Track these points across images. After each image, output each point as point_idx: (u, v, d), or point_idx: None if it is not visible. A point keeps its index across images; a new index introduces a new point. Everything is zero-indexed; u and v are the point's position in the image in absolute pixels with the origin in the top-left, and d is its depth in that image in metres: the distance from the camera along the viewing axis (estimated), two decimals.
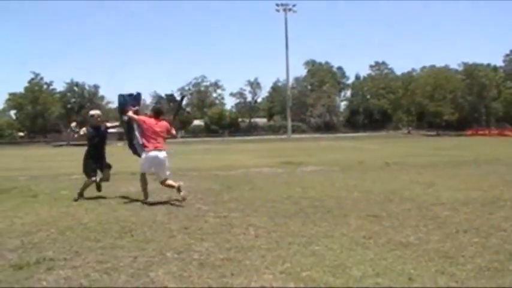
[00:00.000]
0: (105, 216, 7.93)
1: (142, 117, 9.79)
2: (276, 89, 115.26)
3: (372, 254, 5.37)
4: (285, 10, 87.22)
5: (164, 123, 9.63)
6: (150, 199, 9.57)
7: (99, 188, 10.33)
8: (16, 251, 5.80)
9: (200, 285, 4.50)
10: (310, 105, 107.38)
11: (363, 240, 6.02)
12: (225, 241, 6.06)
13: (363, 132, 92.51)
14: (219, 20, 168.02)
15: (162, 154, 9.39)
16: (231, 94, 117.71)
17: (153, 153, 9.34)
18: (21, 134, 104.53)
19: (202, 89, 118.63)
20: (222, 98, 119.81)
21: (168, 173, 9.52)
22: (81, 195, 10.10)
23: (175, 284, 4.54)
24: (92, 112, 10.79)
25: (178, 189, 9.24)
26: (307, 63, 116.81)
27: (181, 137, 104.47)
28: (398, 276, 4.66)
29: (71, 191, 11.55)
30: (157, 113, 9.83)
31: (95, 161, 10.16)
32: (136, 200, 9.67)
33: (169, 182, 9.47)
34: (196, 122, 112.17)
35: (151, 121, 9.52)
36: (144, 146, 9.50)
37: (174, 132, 9.89)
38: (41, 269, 5.06)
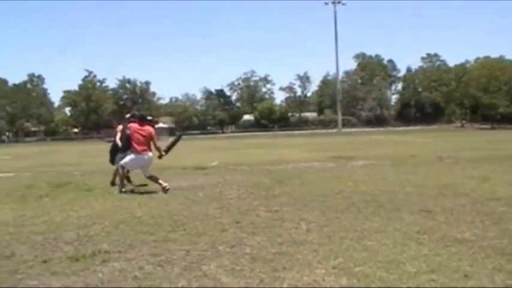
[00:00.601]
0: (157, 210, 8.06)
1: (130, 125, 10.91)
2: (325, 83, 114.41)
3: (426, 250, 5.22)
4: (334, 3, 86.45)
5: (147, 129, 10.65)
6: (189, 194, 9.67)
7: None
8: (72, 244, 5.96)
9: (252, 279, 4.49)
10: (361, 99, 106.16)
11: (416, 235, 5.87)
12: (277, 235, 6.04)
13: (415, 125, 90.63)
14: (269, 15, 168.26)
15: (148, 156, 10.58)
16: (281, 88, 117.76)
17: (141, 155, 10.49)
18: (75, 130, 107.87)
19: (251, 83, 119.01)
20: (272, 93, 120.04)
21: (150, 172, 10.72)
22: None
23: (228, 277, 4.55)
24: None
25: (159, 183, 10.37)
26: (357, 56, 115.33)
27: (231, 132, 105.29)
28: (454, 273, 4.51)
29: (125, 186, 11.86)
30: (141, 120, 10.93)
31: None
32: (188, 195, 9.79)
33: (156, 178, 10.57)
34: (246, 117, 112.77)
35: (136, 126, 10.66)
36: (133, 148, 10.57)
37: (156, 144, 10.73)
38: (96, 261, 5.18)
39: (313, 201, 8.53)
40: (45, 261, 5.21)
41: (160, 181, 10.47)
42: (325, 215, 7.19)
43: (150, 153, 10.66)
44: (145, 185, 11.48)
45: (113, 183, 11.73)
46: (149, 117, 11.39)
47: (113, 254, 5.40)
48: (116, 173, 11.59)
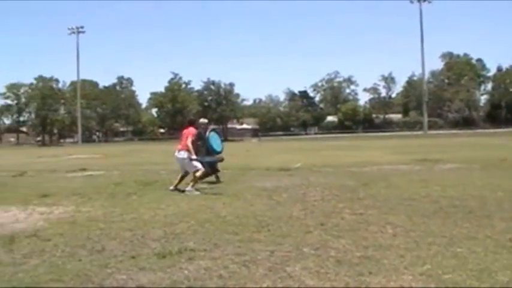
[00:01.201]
0: (242, 211, 8.15)
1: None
2: (411, 83, 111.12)
3: None
4: (419, 1, 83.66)
5: (187, 131, 11.43)
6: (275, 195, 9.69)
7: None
8: (159, 241, 6.15)
9: (338, 282, 4.43)
10: (448, 100, 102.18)
11: (509, 243, 5.55)
12: (362, 239, 5.93)
13: (506, 127, 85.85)
14: (353, 14, 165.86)
15: (178, 154, 11.30)
16: (365, 89, 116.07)
17: (175, 154, 11.46)
18: (161, 130, 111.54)
19: (335, 84, 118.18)
20: (356, 94, 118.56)
21: (192, 169, 11.08)
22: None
23: (312, 280, 4.51)
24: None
25: (192, 185, 10.77)
26: (443, 55, 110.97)
27: (315, 133, 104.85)
28: None
29: (209, 184, 12.18)
30: (188, 123, 12.06)
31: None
32: (272, 195, 9.84)
33: (196, 175, 10.95)
34: (330, 118, 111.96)
35: (184, 130, 11.58)
36: None
37: (188, 141, 11.20)
38: (182, 258, 5.30)
39: (399, 204, 8.31)
40: (133, 257, 5.41)
41: (185, 185, 10.90)
42: (411, 220, 6.98)
43: (181, 153, 11.24)
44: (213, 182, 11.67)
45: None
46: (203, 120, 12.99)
47: (198, 252, 5.50)
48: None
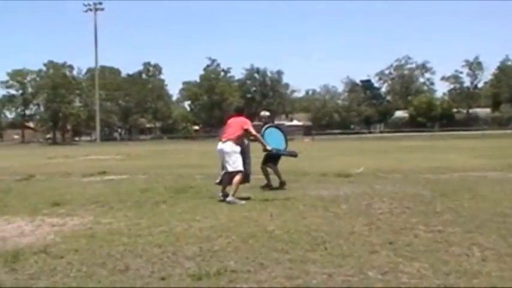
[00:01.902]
0: (293, 224, 8.13)
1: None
2: (503, 70, 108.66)
3: None
4: None
5: (238, 120, 11.69)
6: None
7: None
8: (194, 259, 6.19)
9: None
10: None
11: None
12: (442, 262, 5.81)
13: None
14: None
15: (224, 145, 11.28)
16: (443, 78, 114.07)
17: (218, 146, 11.50)
18: (196, 127, 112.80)
19: (406, 72, 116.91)
20: (432, 84, 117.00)
21: (230, 168, 11.18)
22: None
23: None
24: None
25: (225, 194, 11.11)
26: None
27: (380, 132, 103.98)
28: None
29: (254, 193, 12.18)
30: (236, 111, 12.46)
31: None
32: (329, 207, 9.78)
33: (233, 180, 11.05)
34: (399, 113, 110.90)
35: (231, 119, 11.85)
36: None
37: (249, 128, 11.49)
38: (221, 281, 5.31)
39: (489, 221, 8.12)
40: (163, 278, 5.45)
41: (228, 190, 11.21)
42: (506, 241, 6.81)
43: (227, 144, 11.29)
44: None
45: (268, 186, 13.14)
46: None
47: (241, 274, 5.51)
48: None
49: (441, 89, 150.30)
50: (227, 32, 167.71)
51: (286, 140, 13.74)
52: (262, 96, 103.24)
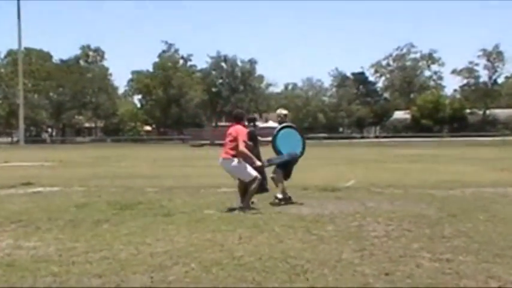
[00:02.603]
0: (267, 249, 8.18)
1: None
2: None
3: None
4: None
5: (235, 130, 12.49)
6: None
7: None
8: None
9: None
10: None
11: None
12: None
13: None
14: None
15: (223, 163, 12.62)
16: (454, 71, 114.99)
17: (219, 160, 12.80)
18: (148, 128, 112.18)
19: (408, 63, 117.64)
20: (440, 78, 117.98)
21: (246, 177, 12.37)
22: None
23: None
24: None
25: (242, 203, 12.33)
26: None
27: (376, 136, 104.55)
28: None
29: (219, 209, 12.20)
30: (234, 118, 13.11)
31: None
32: (312, 228, 9.82)
33: (249, 189, 12.33)
34: (399, 114, 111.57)
35: (230, 128, 12.81)
36: None
37: (240, 145, 12.23)
38: None
39: (509, 249, 8.23)
40: None
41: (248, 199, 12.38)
42: None
43: (228, 160, 12.47)
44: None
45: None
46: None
47: None
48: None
49: (451, 84, 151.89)
50: (188, 11, 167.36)
51: (304, 143, 13.96)
52: (230, 90, 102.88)
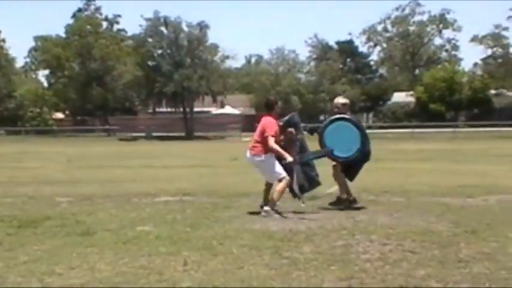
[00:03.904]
0: (221, 278, 8.22)
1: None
2: None
3: None
4: None
5: (264, 122, 13.86)
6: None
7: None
8: None
9: None
10: None
11: None
12: None
13: None
14: None
15: (250, 158, 14.13)
16: (474, 39, 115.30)
17: (247, 154, 14.33)
18: (59, 115, 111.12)
19: (412, 29, 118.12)
20: (455, 48, 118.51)
21: (272, 181, 13.77)
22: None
23: None
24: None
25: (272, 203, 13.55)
26: None
27: (368, 127, 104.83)
28: None
29: (158, 225, 12.15)
30: (266, 107, 14.47)
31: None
32: (282, 249, 9.84)
33: (276, 189, 13.61)
34: (399, 96, 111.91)
35: (262, 119, 14.14)
36: None
37: (269, 141, 13.48)
38: None
39: None
40: None
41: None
42: None
43: (255, 156, 13.92)
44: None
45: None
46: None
47: None
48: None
49: (471, 56, 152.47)
50: None
51: (364, 140, 14.45)
52: (173, 65, 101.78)
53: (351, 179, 14.81)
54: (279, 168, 13.43)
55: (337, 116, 14.49)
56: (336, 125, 14.15)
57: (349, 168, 14.67)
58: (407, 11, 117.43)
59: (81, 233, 11.48)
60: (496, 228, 11.71)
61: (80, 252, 9.87)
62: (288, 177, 13.43)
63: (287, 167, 13.62)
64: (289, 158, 13.37)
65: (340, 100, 14.85)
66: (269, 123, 13.65)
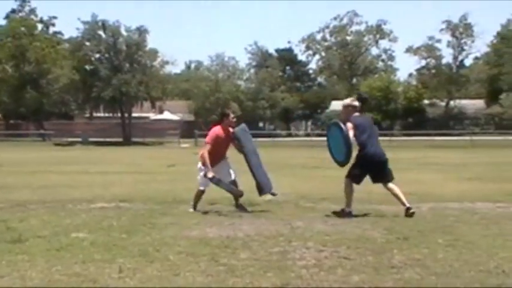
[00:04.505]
0: (157, 284, 8.21)
1: None
2: (506, 38, 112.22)
3: None
4: None
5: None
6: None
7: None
8: None
9: None
10: None
11: None
12: None
13: None
14: None
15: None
16: (409, 50, 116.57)
17: None
18: None
19: (349, 38, 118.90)
20: (391, 58, 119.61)
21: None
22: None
23: None
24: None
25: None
26: None
27: (307, 134, 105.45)
28: None
29: (92, 232, 12.06)
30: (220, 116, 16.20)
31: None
32: (219, 256, 9.85)
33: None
34: (337, 105, 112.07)
35: None
36: None
37: (204, 146, 15.45)
38: None
39: (477, 282, 8.43)
40: None
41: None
42: None
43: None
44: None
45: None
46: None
47: None
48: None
49: (406, 67, 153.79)
50: None
51: (347, 151, 14.61)
52: (112, 69, 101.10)
53: (388, 180, 14.89)
54: (201, 178, 15.09)
55: (333, 120, 15.32)
56: (331, 130, 14.76)
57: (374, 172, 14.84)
58: (345, 21, 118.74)
59: (12, 240, 11.29)
60: (428, 235, 11.87)
61: (10, 260, 9.72)
62: (201, 189, 15.28)
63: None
64: (209, 174, 14.65)
65: (350, 102, 15.38)
66: (211, 132, 15.02)
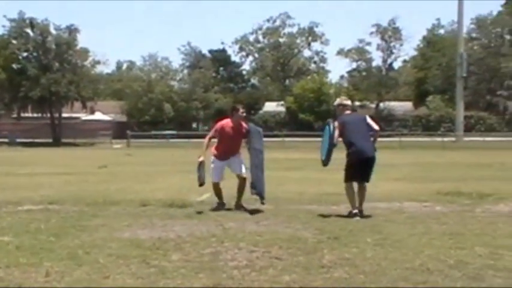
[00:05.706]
0: (90, 286, 8.18)
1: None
2: (433, 41, 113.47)
3: None
4: None
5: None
6: None
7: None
8: None
9: None
10: (510, 77, 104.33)
11: None
12: None
13: None
14: None
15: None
16: (341, 52, 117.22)
17: None
18: None
19: (282, 40, 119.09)
20: (323, 60, 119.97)
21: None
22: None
23: None
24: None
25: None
26: None
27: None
28: None
29: (19, 235, 11.94)
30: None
31: None
32: (150, 258, 9.82)
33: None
34: (270, 106, 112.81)
35: None
36: None
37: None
38: None
39: (403, 280, 8.53)
40: None
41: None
42: None
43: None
44: None
45: None
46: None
47: None
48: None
49: (337, 69, 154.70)
50: None
51: (327, 151, 15.52)
52: (40, 68, 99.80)
53: (367, 180, 15.30)
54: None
55: (328, 120, 15.99)
56: (324, 129, 15.65)
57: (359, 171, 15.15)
58: (278, 22, 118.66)
59: None
60: (357, 234, 11.99)
61: None
62: (215, 181, 16.49)
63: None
64: (200, 158, 16.18)
65: (343, 101, 16.36)
66: (217, 124, 16.38)
